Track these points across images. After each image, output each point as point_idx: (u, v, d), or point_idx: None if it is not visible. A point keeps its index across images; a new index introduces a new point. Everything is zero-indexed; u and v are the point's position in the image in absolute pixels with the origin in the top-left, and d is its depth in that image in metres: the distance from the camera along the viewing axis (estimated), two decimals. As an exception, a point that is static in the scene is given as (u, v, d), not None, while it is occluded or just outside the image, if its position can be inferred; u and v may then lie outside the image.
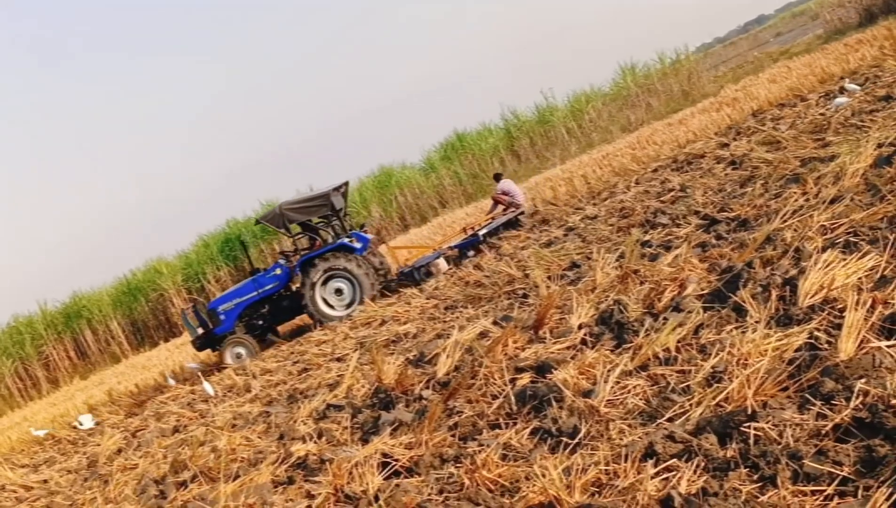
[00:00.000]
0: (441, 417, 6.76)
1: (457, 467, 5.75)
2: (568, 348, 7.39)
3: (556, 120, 40.62)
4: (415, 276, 17.11)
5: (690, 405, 5.20)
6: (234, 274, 39.78)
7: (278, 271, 18.00)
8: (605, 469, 4.77)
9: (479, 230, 18.13)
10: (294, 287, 18.06)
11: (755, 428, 4.48)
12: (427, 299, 14.03)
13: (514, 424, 6.09)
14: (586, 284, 9.26)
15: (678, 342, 6.16)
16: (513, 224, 18.30)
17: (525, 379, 6.88)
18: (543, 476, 4.70)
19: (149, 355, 33.33)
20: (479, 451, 5.68)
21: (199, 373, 15.86)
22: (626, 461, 4.69)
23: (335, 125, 75.91)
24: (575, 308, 8.10)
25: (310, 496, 6.33)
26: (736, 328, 6.09)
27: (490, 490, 5.19)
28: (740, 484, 4.11)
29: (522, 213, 18.91)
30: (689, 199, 12.26)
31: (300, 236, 18.36)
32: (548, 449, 5.42)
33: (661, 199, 13.46)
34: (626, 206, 14.14)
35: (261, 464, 7.77)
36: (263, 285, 17.94)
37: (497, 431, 6.13)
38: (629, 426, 5.29)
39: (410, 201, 40.17)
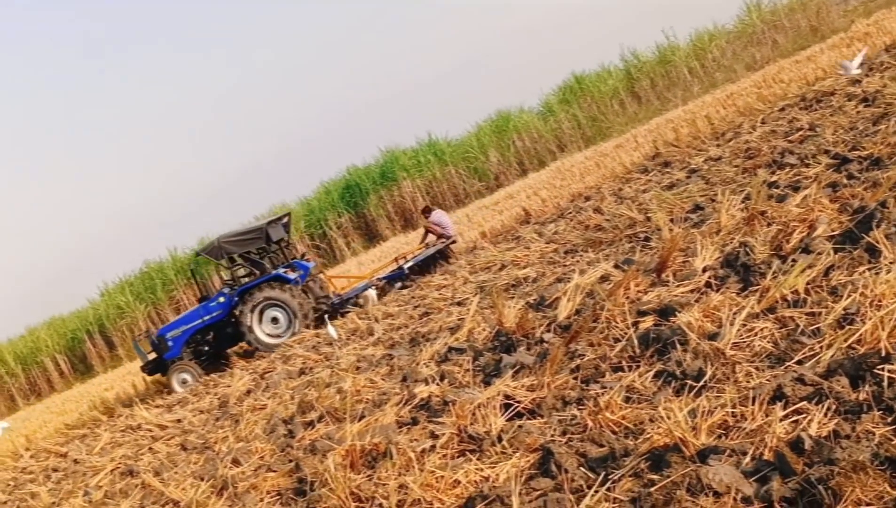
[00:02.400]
0: (563, 360, 6.76)
1: (579, 409, 5.76)
2: (692, 291, 7.29)
3: (677, 60, 39.55)
4: (347, 305, 17.86)
5: (821, 347, 5.07)
6: (354, 221, 40.32)
7: (222, 300, 18.48)
8: (732, 412, 4.70)
9: (405, 264, 18.58)
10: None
11: (889, 370, 4.34)
12: (546, 243, 13.96)
13: (637, 367, 6.05)
14: (710, 226, 9.08)
15: (807, 283, 6.01)
16: (443, 254, 18.93)
17: (648, 322, 6.82)
18: (668, 417, 4.66)
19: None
20: (602, 393, 5.67)
21: (326, 317, 16.20)
22: (753, 403, 4.62)
23: (456, 67, 75.45)
24: (699, 251, 7.97)
25: (434, 436, 6.42)
26: (869, 269, 5.89)
27: (614, 432, 5.18)
28: (873, 427, 4.00)
29: (454, 242, 19.59)
30: (818, 138, 11.84)
31: (238, 267, 18.76)
32: (672, 392, 5.37)
33: (789, 138, 13.03)
34: (752, 146, 13.73)
35: (385, 405, 7.92)
36: (209, 313, 18.54)
37: (620, 374, 6.11)
38: (756, 369, 5.19)
39: (528, 146, 39.86)
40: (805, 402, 4.47)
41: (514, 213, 20.80)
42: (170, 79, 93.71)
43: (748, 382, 5.03)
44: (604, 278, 8.83)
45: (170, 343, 18.40)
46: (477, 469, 5.48)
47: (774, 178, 10.41)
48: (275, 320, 17.53)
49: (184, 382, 17.81)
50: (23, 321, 61.06)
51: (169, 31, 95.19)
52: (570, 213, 16.52)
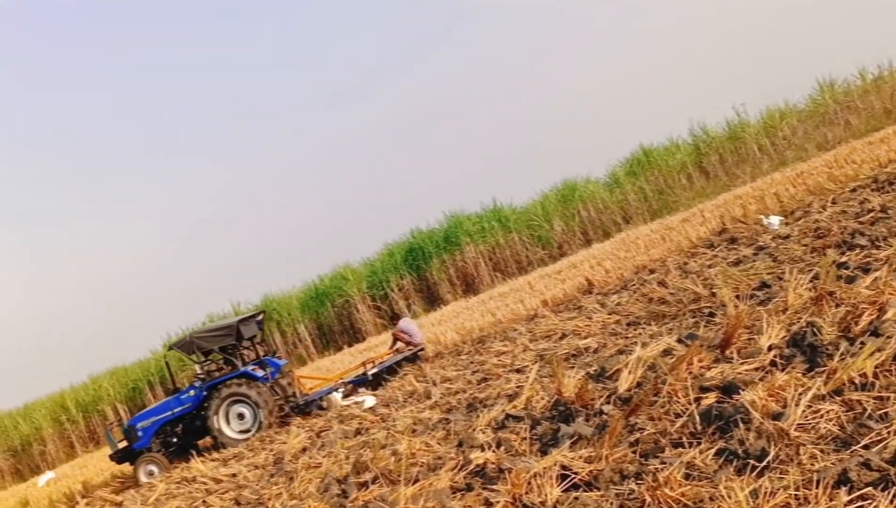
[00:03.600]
0: (622, 432, 6.69)
1: (638, 483, 5.68)
2: (756, 369, 7.18)
3: (747, 136, 39.40)
4: (311, 407, 18.04)
5: (888, 432, 4.96)
6: (415, 283, 40.49)
7: (192, 393, 18.64)
8: (795, 494, 4.61)
9: (369, 370, 18.85)
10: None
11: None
12: (609, 314, 13.88)
13: (698, 444, 5.96)
14: (777, 304, 8.96)
15: (876, 367, 5.89)
16: (412, 360, 19.21)
17: (710, 399, 6.72)
18: (729, 496, 4.59)
19: (333, 358, 34.27)
20: (662, 469, 5.59)
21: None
22: (817, 486, 4.52)
23: (518, 136, 75.82)
24: (765, 329, 7.85)
25: (488, 503, 6.37)
26: (940, 355, 5.76)
27: (672, 509, 5.10)
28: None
29: (422, 349, 19.85)
30: (890, 220, 11.68)
31: (207, 362, 19.09)
32: (733, 471, 5.27)
33: (860, 219, 12.86)
34: (822, 226, 13.58)
35: (440, 469, 7.87)
36: (180, 405, 18.68)
37: (680, 450, 6.01)
38: (821, 451, 5.09)
39: (593, 216, 39.83)
40: (871, 487, 4.36)
41: (576, 282, 20.72)
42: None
43: (812, 464, 4.93)
44: (666, 352, 8.74)
45: (139, 433, 18.61)
46: (531, 540, 5.41)
47: (844, 258, 10.27)
48: (241, 415, 17.85)
49: (150, 473, 17.97)
50: (86, 368, 62.13)
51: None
52: (634, 285, 16.40)
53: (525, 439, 7.81)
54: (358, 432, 12.49)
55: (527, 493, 6.15)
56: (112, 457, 19.28)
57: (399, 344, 20.11)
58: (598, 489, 5.93)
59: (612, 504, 5.56)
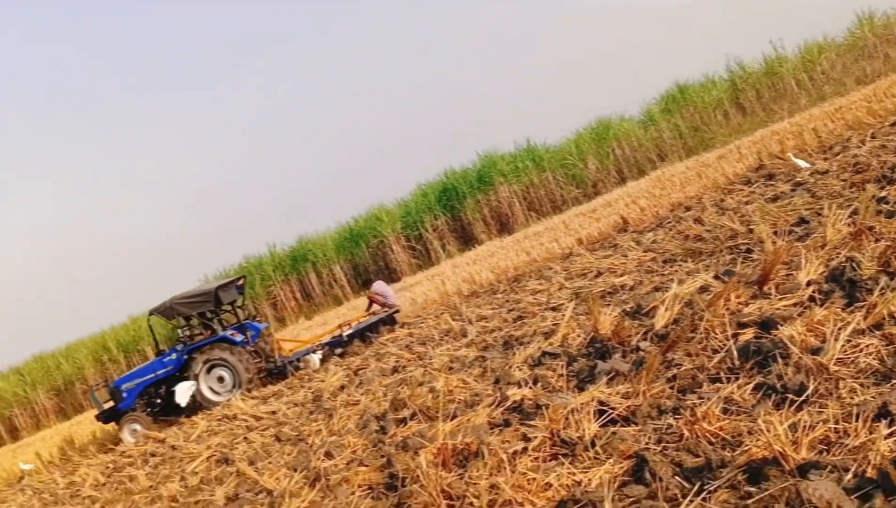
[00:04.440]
0: (659, 368, 6.70)
1: (675, 418, 5.69)
2: (794, 304, 7.14)
3: (785, 71, 38.75)
4: (289, 368, 18.46)
5: (929, 366, 4.93)
6: (450, 224, 40.50)
7: (173, 356, 19.05)
8: (834, 428, 4.60)
9: (345, 331, 19.33)
10: None
11: None
12: (644, 252, 13.82)
13: (736, 379, 5.95)
14: (815, 240, 8.89)
15: (917, 301, 5.83)
16: (387, 322, 19.65)
17: (748, 335, 6.70)
18: (768, 430, 4.59)
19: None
20: (700, 404, 5.60)
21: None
22: (856, 420, 4.51)
23: (553, 72, 74.86)
24: (803, 264, 7.80)
25: (526, 438, 6.42)
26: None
27: (710, 443, 5.12)
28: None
29: (397, 311, 20.39)
30: (931, 154, 11.49)
31: (186, 327, 19.50)
32: (772, 405, 5.27)
33: (901, 153, 12.66)
34: (861, 161, 13.39)
35: (477, 406, 7.94)
36: (163, 367, 19.15)
37: (718, 385, 6.01)
38: (861, 385, 5.07)
39: (628, 154, 39.50)
40: (912, 421, 4.35)
41: (611, 221, 20.62)
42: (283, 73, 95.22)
43: (852, 398, 4.92)
44: (703, 289, 8.71)
45: (124, 394, 19.17)
46: (569, 473, 5.46)
47: (884, 193, 10.14)
48: (220, 378, 18.40)
49: (134, 431, 18.50)
50: (125, 310, 63.08)
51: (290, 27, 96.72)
52: (670, 222, 16.31)
53: (562, 375, 7.84)
54: (395, 370, 12.61)
55: (564, 428, 6.19)
56: (98, 417, 19.96)
57: (374, 307, 20.53)
58: (636, 423, 5.96)
59: (649, 438, 5.58)
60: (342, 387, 13.12)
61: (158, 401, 19.52)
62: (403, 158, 76.22)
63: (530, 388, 7.86)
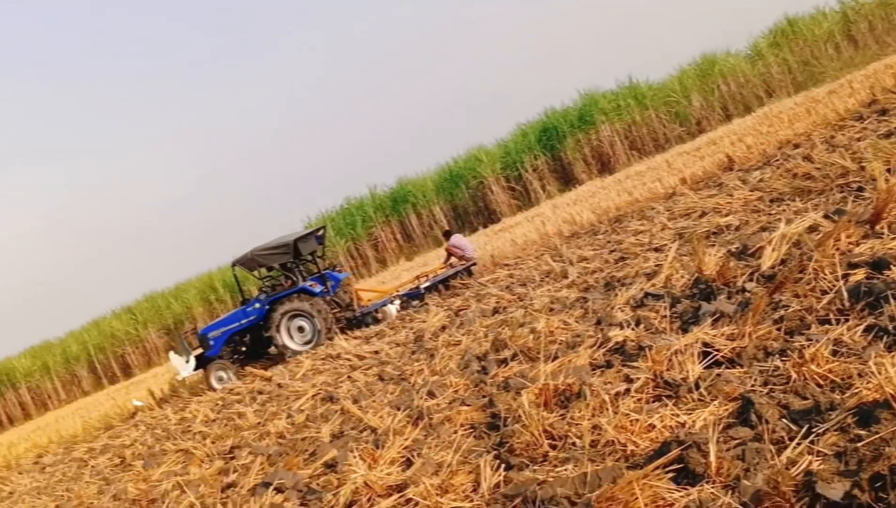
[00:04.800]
0: (765, 310, 6.57)
1: (782, 360, 5.59)
2: (908, 244, 6.91)
3: (899, 2, 37.15)
4: (367, 318, 18.68)
5: None
6: (550, 164, 40.18)
7: (257, 306, 19.53)
8: (952, 371, 4.46)
9: (422, 284, 19.49)
10: None
11: None
12: (751, 191, 13.51)
13: (846, 320, 5.81)
14: (932, 177, 8.56)
15: None
16: (464, 274, 19.72)
17: (859, 275, 6.53)
18: (879, 373, 4.47)
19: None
20: (808, 345, 5.48)
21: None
22: (976, 363, 4.37)
23: (657, 7, 73.11)
24: (918, 202, 7.53)
25: (628, 379, 6.40)
26: None
27: (819, 385, 5.02)
28: None
29: (475, 264, 20.31)
30: None
31: (268, 278, 20.04)
32: (883, 347, 5.14)
33: None
34: (983, 93, 12.79)
35: (578, 347, 7.93)
36: (246, 317, 19.70)
37: (826, 326, 5.88)
38: (980, 327, 4.90)
39: (734, 90, 38.46)
40: None
41: (716, 159, 20.18)
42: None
43: (970, 340, 4.76)
44: (812, 229, 8.49)
45: (211, 342, 19.83)
46: (672, 415, 5.43)
47: None
48: (301, 328, 18.82)
49: (220, 379, 19.18)
50: (230, 251, 64.67)
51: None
52: (777, 160, 15.88)
53: (665, 317, 7.77)
54: (496, 311, 12.64)
55: (667, 370, 6.14)
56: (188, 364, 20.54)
57: (452, 259, 20.54)
58: (741, 366, 5.87)
59: (755, 380, 5.50)
60: (443, 328, 13.22)
61: (243, 349, 20.24)
62: (503, 98, 75.60)
63: (633, 329, 7.81)
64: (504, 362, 8.80)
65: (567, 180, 39.32)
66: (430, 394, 8.62)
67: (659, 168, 26.08)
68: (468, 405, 7.71)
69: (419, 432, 7.45)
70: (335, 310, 18.99)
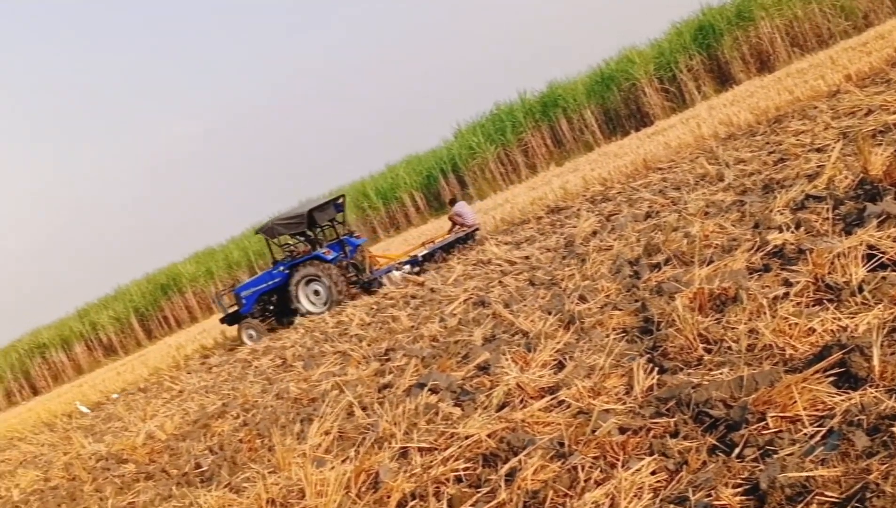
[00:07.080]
0: (937, 210, 6.25)
1: (956, 263, 5.34)
2: None
3: None
4: (373, 284, 19.42)
5: None
6: (706, 63, 38.82)
7: (282, 269, 20.79)
8: None
9: (419, 253, 20.44)
10: None
11: None
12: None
13: None
14: None
15: None
16: (466, 240, 20.70)
17: None
18: None
19: (620, 143, 33.90)
20: (983, 247, 5.21)
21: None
22: None
23: None
24: None
25: (787, 283, 6.22)
26: None
27: None
28: None
29: (477, 229, 21.30)
30: None
31: (288, 245, 21.23)
32: None
33: None
34: None
35: (735, 251, 7.75)
36: (272, 279, 21.10)
37: None
38: None
39: None
40: None
41: (884, 54, 19.08)
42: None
43: None
44: None
45: (243, 300, 21.45)
46: (834, 319, 5.27)
47: None
48: (316, 292, 20.02)
49: (250, 336, 20.67)
50: (382, 158, 65.76)
51: None
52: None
53: (827, 219, 7.50)
54: (648, 215, 12.44)
55: (829, 273, 5.94)
56: (223, 320, 22.28)
57: (455, 227, 21.29)
58: (909, 268, 5.64)
59: (925, 283, 5.27)
60: (594, 233, 13.12)
61: (272, 307, 21.58)
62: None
63: (792, 232, 7.58)
64: (657, 266, 8.68)
65: (724, 80, 37.92)
66: (582, 298, 8.61)
67: (822, 65, 24.86)
68: (620, 310, 7.68)
69: (571, 336, 7.47)
70: (352, 274, 20.06)
